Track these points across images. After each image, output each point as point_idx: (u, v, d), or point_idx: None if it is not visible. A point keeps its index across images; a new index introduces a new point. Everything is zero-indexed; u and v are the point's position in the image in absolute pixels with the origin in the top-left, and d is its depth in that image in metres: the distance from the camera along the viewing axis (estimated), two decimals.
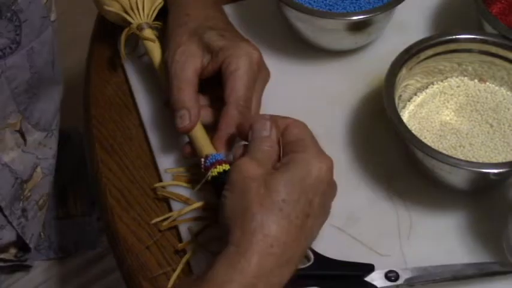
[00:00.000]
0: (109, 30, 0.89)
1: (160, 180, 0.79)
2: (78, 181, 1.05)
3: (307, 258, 0.70)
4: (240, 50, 0.78)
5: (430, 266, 0.70)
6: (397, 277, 0.70)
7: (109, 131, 0.83)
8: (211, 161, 0.74)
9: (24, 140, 0.88)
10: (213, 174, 0.73)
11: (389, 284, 0.69)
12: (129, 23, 0.85)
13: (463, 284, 0.71)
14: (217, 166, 0.73)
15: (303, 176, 0.65)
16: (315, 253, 0.70)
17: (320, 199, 0.66)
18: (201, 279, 0.62)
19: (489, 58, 0.81)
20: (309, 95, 0.86)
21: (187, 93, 0.77)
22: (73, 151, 1.07)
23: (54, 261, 1.00)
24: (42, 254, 0.99)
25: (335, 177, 0.78)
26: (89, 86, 0.88)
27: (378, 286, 0.69)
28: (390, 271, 0.70)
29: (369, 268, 0.70)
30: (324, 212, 0.68)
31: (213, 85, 0.80)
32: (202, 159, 0.75)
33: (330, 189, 0.68)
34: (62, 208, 1.03)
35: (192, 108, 0.76)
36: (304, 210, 0.64)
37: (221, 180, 0.73)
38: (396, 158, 0.80)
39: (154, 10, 0.86)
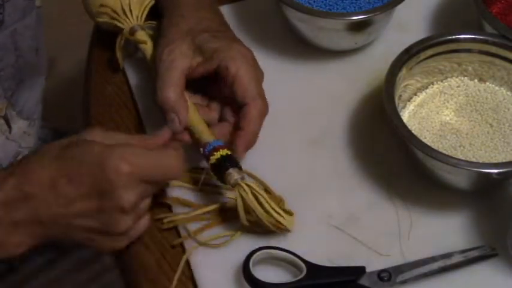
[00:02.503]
0: (109, 30, 0.89)
1: None
2: None
3: (299, 269, 0.70)
4: (234, 51, 0.78)
5: (420, 260, 0.72)
6: (389, 277, 0.70)
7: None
8: (209, 148, 0.75)
9: (9, 127, 0.88)
10: (212, 161, 0.74)
11: (382, 284, 0.70)
12: (122, 29, 0.85)
13: (450, 272, 0.72)
14: (215, 153, 0.74)
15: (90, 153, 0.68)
16: (307, 263, 0.70)
17: (92, 186, 0.66)
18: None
19: (489, 58, 0.81)
20: (309, 95, 0.86)
21: (171, 94, 0.77)
22: None
23: (52, 259, 1.00)
24: (40, 252, 0.99)
25: (335, 177, 0.79)
26: (89, 86, 0.88)
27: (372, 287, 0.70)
28: (382, 270, 0.71)
29: (361, 270, 0.71)
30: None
31: (201, 84, 0.80)
32: (201, 149, 0.75)
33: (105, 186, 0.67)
34: None
35: (180, 110, 0.77)
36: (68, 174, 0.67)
37: (222, 165, 0.73)
38: (396, 158, 0.80)
39: (144, 10, 0.86)
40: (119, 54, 0.86)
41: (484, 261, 0.73)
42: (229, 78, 0.77)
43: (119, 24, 0.85)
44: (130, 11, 0.85)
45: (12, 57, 0.83)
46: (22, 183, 0.66)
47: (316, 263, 0.71)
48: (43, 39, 0.90)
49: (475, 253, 0.72)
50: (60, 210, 0.67)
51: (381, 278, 0.70)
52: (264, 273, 0.70)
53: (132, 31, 0.85)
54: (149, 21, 0.87)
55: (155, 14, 0.87)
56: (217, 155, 0.74)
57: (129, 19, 0.85)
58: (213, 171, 0.75)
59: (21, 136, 0.90)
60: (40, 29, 0.88)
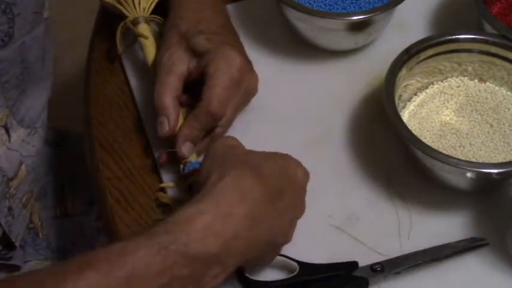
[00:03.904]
0: (109, 30, 0.89)
1: (161, 181, 0.79)
2: (77, 181, 1.05)
3: (292, 270, 0.70)
4: (221, 53, 0.78)
5: (410, 253, 0.72)
6: (382, 268, 0.71)
7: (109, 131, 0.83)
8: (189, 168, 0.75)
9: (9, 136, 0.88)
10: (190, 182, 0.74)
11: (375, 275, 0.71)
12: (126, 16, 0.85)
13: (442, 263, 0.72)
14: (194, 173, 0.74)
15: (284, 165, 0.67)
16: (298, 262, 0.70)
17: (292, 195, 0.67)
18: (171, 214, 0.63)
19: (489, 58, 0.81)
20: (309, 95, 0.86)
21: (167, 99, 0.78)
22: (72, 151, 1.07)
23: (52, 261, 1.00)
24: (41, 253, 0.99)
25: (335, 177, 0.79)
26: (89, 86, 0.88)
27: (367, 277, 0.70)
28: (375, 264, 0.71)
29: (354, 265, 0.71)
30: (287, 217, 0.67)
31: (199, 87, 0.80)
32: (181, 165, 0.75)
33: (301, 195, 0.68)
34: (60, 207, 1.03)
35: (171, 115, 0.77)
36: (278, 189, 0.66)
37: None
38: (396, 158, 0.80)
39: (151, 3, 0.86)
40: (118, 41, 0.86)
41: (475, 251, 0.73)
42: (206, 76, 0.77)
43: (124, 11, 0.85)
44: (139, 0, 0.85)
45: (18, 69, 0.84)
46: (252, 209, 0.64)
47: (316, 263, 0.71)
48: (50, 49, 0.90)
49: (465, 244, 0.73)
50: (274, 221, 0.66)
51: (373, 270, 0.71)
52: (260, 274, 0.71)
53: (136, 22, 0.85)
54: (155, 16, 0.87)
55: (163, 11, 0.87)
56: (197, 177, 0.73)
57: (135, 8, 0.85)
58: (190, 192, 0.74)
59: (21, 145, 0.90)
60: (47, 39, 0.88)
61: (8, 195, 0.88)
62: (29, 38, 0.83)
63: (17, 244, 0.92)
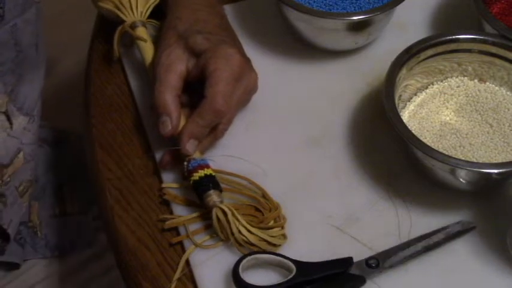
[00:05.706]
0: (109, 30, 0.89)
1: (161, 181, 0.79)
2: (76, 180, 1.05)
3: (290, 269, 0.70)
4: (220, 51, 0.78)
5: (404, 243, 0.73)
6: (377, 263, 0.71)
7: (109, 131, 0.84)
8: (193, 165, 0.75)
9: (11, 123, 0.88)
10: (195, 178, 0.74)
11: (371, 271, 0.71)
12: (123, 21, 0.86)
13: (435, 251, 0.73)
14: (199, 170, 0.74)
15: None
16: (295, 262, 0.70)
17: None
18: None
19: (489, 58, 0.81)
20: (309, 95, 0.86)
21: (168, 97, 0.78)
22: (71, 150, 1.07)
23: (51, 260, 1.00)
24: (39, 252, 0.99)
25: (335, 177, 0.79)
26: (89, 86, 0.88)
27: (365, 276, 0.70)
28: (370, 258, 0.72)
29: (349, 261, 0.71)
30: None
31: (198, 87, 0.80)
32: (185, 163, 0.75)
33: None
34: (59, 206, 1.03)
35: (173, 114, 0.77)
36: None
37: (204, 185, 0.73)
38: (396, 158, 0.80)
39: (148, 8, 0.87)
40: (116, 45, 0.86)
41: (464, 236, 0.74)
42: (206, 75, 0.77)
43: (122, 16, 0.86)
44: (136, 5, 0.86)
45: (13, 52, 0.84)
46: None
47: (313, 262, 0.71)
48: (42, 35, 0.90)
49: (454, 229, 0.74)
50: None
51: (369, 266, 0.71)
52: (258, 277, 0.70)
53: (133, 26, 0.85)
54: (152, 20, 0.87)
55: (160, 15, 0.87)
56: (201, 173, 0.74)
57: (132, 13, 0.86)
58: (194, 189, 0.74)
59: (22, 132, 0.90)
60: (39, 24, 0.88)
61: (0, 182, 0.88)
62: (20, 20, 0.83)
63: (9, 232, 0.92)
